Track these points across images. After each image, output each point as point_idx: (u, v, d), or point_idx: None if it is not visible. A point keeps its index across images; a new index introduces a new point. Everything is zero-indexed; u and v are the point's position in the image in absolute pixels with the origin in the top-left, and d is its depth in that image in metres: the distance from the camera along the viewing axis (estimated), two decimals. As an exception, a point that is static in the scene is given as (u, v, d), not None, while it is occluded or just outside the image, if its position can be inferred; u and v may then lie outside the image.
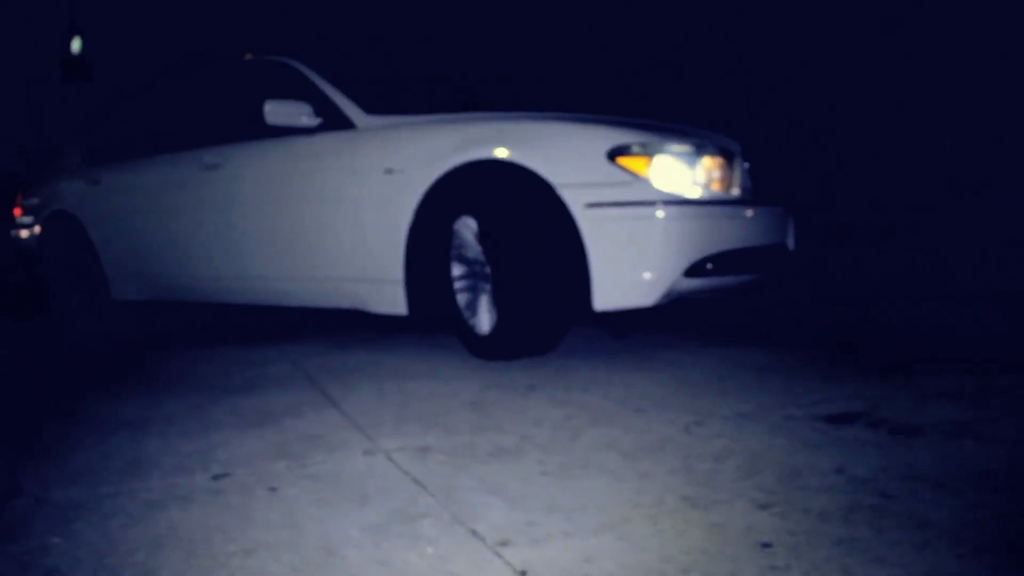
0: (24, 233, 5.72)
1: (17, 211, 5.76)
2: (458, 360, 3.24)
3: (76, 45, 19.31)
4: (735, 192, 3.03)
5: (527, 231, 2.93)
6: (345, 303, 3.63)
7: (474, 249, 3.15)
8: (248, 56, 4.36)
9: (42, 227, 5.29)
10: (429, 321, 3.35)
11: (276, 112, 3.51)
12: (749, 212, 3.06)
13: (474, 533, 1.51)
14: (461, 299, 3.19)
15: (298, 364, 3.36)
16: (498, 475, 1.84)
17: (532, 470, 1.86)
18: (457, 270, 3.21)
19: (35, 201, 5.50)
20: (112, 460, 2.12)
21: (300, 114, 3.53)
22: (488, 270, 3.07)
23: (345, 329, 4.30)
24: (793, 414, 2.24)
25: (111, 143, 5.09)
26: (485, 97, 4.61)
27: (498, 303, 3.01)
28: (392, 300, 3.34)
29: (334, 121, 3.59)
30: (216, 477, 1.93)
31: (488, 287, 3.08)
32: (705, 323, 4.10)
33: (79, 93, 18.62)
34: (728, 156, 3.02)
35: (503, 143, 2.95)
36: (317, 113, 3.57)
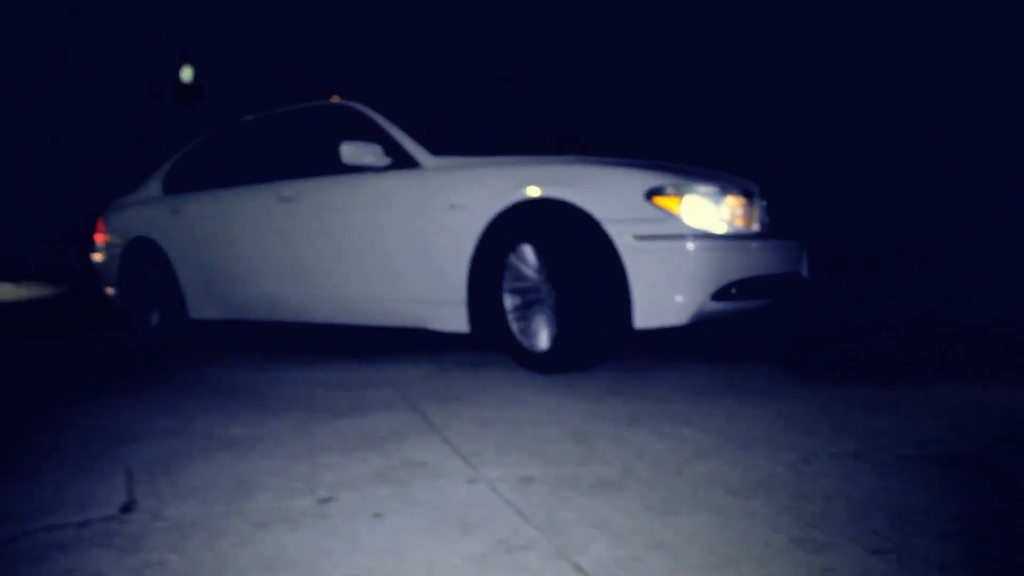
0: (98, 257, 6.25)
1: (98, 237, 6.24)
2: (558, 389, 3.24)
3: (187, 74, 20.33)
4: (755, 227, 3.52)
5: (578, 259, 3.36)
6: (408, 322, 4.08)
7: (529, 274, 3.60)
8: (335, 99, 4.77)
9: (123, 251, 5.78)
10: (487, 338, 3.78)
11: (351, 153, 4.00)
12: (767, 244, 3.49)
13: (579, 568, 1.51)
14: (513, 318, 3.64)
15: (400, 388, 3.43)
16: (601, 508, 1.83)
17: (635, 504, 1.85)
18: (510, 292, 3.65)
19: (117, 227, 6.00)
20: (222, 479, 2.20)
21: (372, 155, 4.03)
22: (543, 293, 3.54)
23: (444, 352, 4.37)
24: (906, 454, 2.16)
25: (189, 175, 5.58)
26: (533, 139, 5.38)
27: (558, 322, 3.41)
28: (455, 319, 3.82)
29: (402, 161, 4.09)
30: (323, 501, 1.99)
31: (544, 308, 3.53)
32: (804, 355, 4.00)
33: (190, 119, 19.64)
34: (748, 195, 3.51)
35: (556, 183, 3.42)
36: (387, 153, 4.08)
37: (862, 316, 5.94)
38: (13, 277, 15.89)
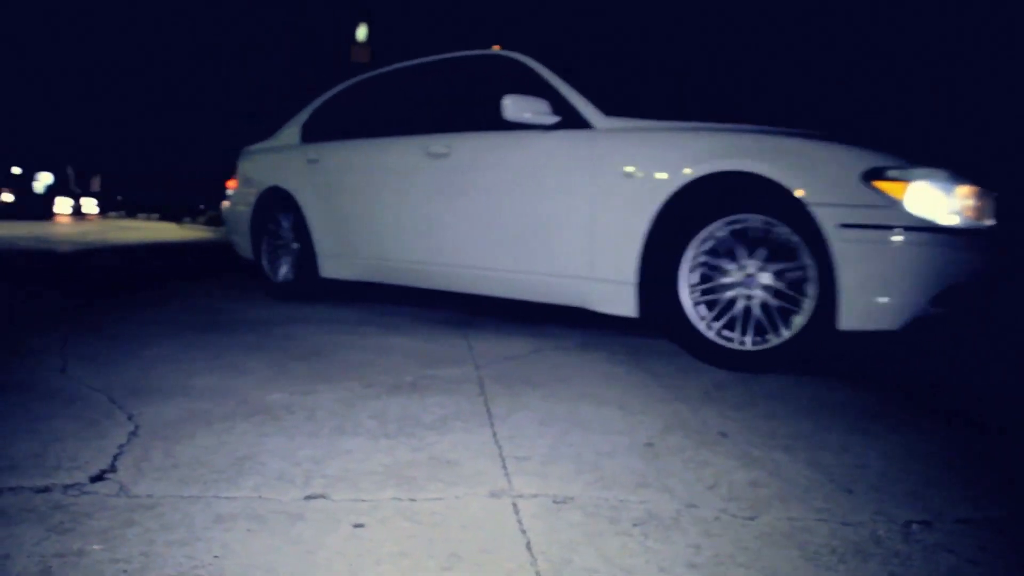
0: (229, 205, 6.04)
1: (231, 184, 6.03)
2: (649, 388, 2.84)
3: (362, 32, 20.77)
4: (988, 222, 3.00)
5: (782, 246, 3.03)
6: (566, 299, 3.73)
7: (720, 260, 3.21)
8: (496, 48, 4.38)
9: (256, 201, 5.53)
10: (658, 325, 3.47)
11: (515, 107, 3.65)
12: (1000, 244, 3.02)
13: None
14: (695, 305, 3.27)
15: (483, 366, 3.13)
16: (633, 555, 1.45)
17: (681, 556, 1.45)
18: (695, 279, 3.27)
19: (250, 175, 5.76)
20: (220, 454, 1.98)
21: (539, 111, 3.67)
22: (734, 281, 3.16)
23: (551, 328, 4.02)
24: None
25: (329, 123, 5.25)
26: (712, 105, 4.72)
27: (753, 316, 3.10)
28: (621, 301, 3.45)
29: (570, 120, 3.69)
30: (309, 497, 1.71)
31: (738, 298, 3.16)
32: (949, 377, 3.38)
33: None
34: (981, 184, 3.01)
35: (758, 157, 3.03)
36: (554, 111, 3.70)
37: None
38: (177, 218, 16.88)
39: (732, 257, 3.17)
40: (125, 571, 1.35)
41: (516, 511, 1.66)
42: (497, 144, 3.97)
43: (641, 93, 5.07)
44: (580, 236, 3.58)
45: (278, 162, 5.48)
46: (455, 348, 3.54)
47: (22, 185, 24.77)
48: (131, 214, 25.43)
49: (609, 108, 3.68)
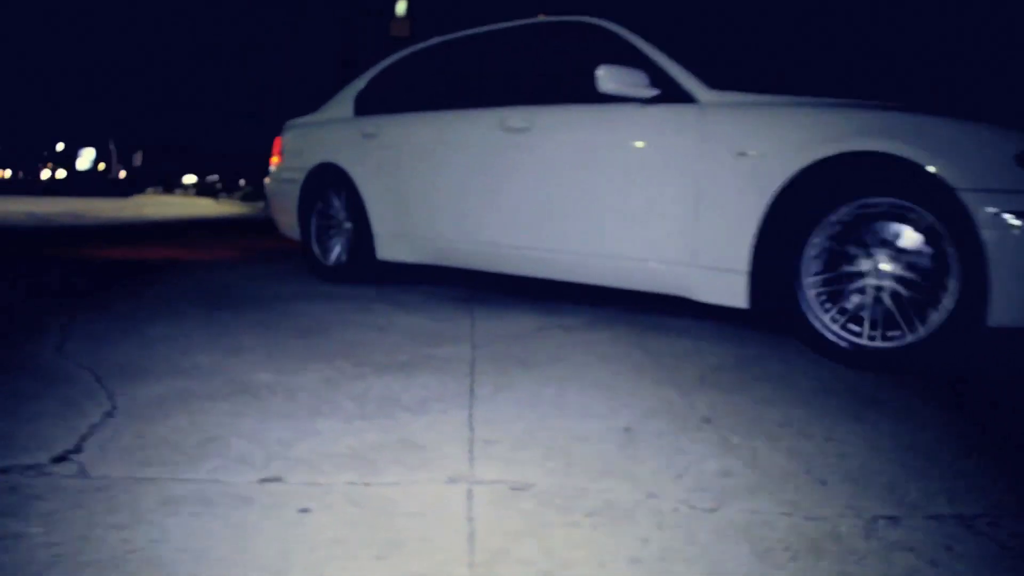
0: (273, 182, 5.69)
1: (275, 160, 5.70)
2: (645, 370, 2.78)
3: (401, 7, 20.73)
4: None
5: (932, 236, 2.78)
6: (661, 287, 3.50)
7: (851, 248, 2.96)
8: (541, 16, 4.22)
9: (305, 178, 5.19)
10: (772, 317, 3.26)
11: (610, 78, 3.40)
12: None
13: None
14: (817, 297, 3.03)
15: (481, 345, 3.10)
16: (576, 548, 1.41)
17: (625, 550, 1.41)
18: (818, 267, 3.03)
19: (297, 150, 5.43)
20: (190, 435, 1.97)
21: (637, 83, 3.42)
22: (870, 271, 2.91)
23: (577, 308, 3.97)
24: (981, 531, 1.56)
25: (387, 94, 4.98)
26: (830, 78, 4.30)
27: (901, 312, 2.84)
28: (729, 291, 3.22)
29: (671, 94, 3.44)
30: (264, 480, 1.70)
31: (875, 291, 2.90)
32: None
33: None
34: None
35: (896, 136, 2.78)
36: (652, 83, 3.45)
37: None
38: (213, 193, 17.09)
39: (861, 245, 2.93)
40: (57, 555, 1.35)
41: (470, 498, 1.63)
42: (586, 118, 3.72)
43: (746, 64, 4.69)
44: (682, 220, 3.33)
45: (329, 137, 5.18)
46: (458, 326, 3.52)
47: (67, 162, 25.27)
48: (168, 189, 25.77)
49: (713, 81, 3.42)
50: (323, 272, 5.10)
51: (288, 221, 5.45)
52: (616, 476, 1.76)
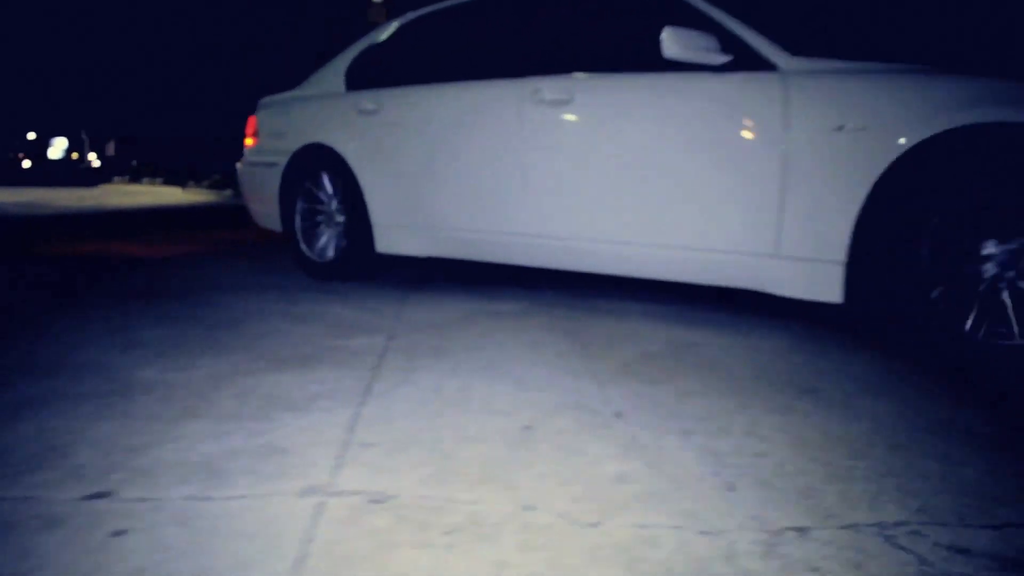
0: (248, 166, 4.97)
1: (250, 141, 5.00)
2: (583, 356, 2.59)
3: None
4: None
5: None
6: (733, 280, 3.07)
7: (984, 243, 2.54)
8: None
9: (289, 161, 4.54)
10: (868, 312, 2.85)
11: (677, 43, 2.94)
12: None
13: None
14: (941, 291, 2.59)
15: (394, 337, 2.89)
16: (422, 574, 1.21)
17: (480, 564, 1.21)
18: (934, 257, 2.61)
19: (278, 130, 4.77)
20: (31, 445, 1.77)
21: (707, 48, 2.96)
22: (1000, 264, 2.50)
23: (517, 293, 3.77)
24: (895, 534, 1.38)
25: (386, 66, 4.37)
26: (925, 44, 3.83)
27: None
28: (820, 283, 2.81)
29: (746, 60, 2.99)
30: (89, 497, 1.49)
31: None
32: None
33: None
34: None
35: (1018, 106, 2.38)
36: (724, 49, 3.01)
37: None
38: (180, 182, 16.74)
39: (984, 233, 2.54)
40: None
41: (318, 514, 1.42)
42: (643, 88, 3.22)
43: (827, 28, 4.10)
44: (762, 205, 2.93)
45: (318, 114, 4.52)
46: (382, 316, 3.31)
47: (38, 151, 24.85)
48: (135, 179, 25.27)
49: (794, 47, 3.00)
50: (312, 269, 4.48)
51: (265, 210, 4.80)
52: (494, 484, 1.57)
